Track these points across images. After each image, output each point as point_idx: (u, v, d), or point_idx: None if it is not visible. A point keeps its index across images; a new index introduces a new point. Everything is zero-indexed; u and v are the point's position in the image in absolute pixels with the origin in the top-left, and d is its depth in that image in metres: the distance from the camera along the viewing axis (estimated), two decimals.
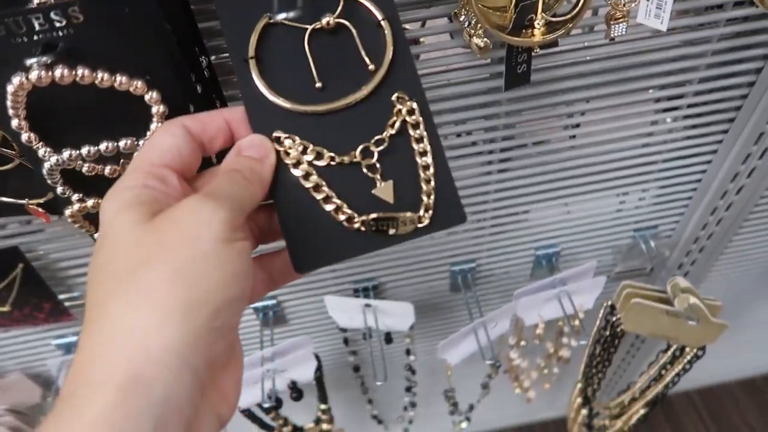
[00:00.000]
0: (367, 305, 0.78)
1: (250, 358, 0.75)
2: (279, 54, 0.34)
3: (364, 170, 0.33)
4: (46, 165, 0.37)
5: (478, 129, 0.63)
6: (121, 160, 0.40)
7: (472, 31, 0.44)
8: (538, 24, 0.41)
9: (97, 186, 0.42)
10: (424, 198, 0.34)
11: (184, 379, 0.25)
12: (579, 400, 1.08)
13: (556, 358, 1.00)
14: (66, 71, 0.32)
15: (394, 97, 0.33)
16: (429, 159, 0.33)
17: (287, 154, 0.33)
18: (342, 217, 0.33)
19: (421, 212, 0.34)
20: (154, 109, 0.37)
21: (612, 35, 0.48)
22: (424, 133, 0.33)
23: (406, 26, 0.51)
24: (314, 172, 0.33)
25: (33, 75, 0.31)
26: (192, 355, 0.25)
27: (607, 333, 0.89)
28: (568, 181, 0.71)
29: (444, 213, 0.34)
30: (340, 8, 0.33)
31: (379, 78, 0.33)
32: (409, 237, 0.34)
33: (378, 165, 0.33)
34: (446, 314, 0.94)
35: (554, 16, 0.42)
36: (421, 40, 0.54)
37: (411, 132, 0.33)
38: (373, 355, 0.77)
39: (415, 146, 0.33)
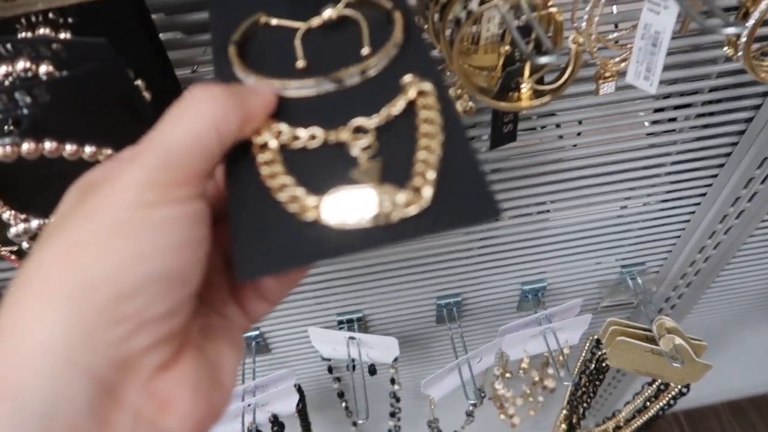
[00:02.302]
0: (351, 338, 0.77)
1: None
2: (267, 50, 0.29)
3: (353, 151, 0.25)
4: (13, 230, 0.36)
5: None
6: None
7: (459, 92, 0.44)
8: (525, 89, 0.40)
9: None
10: (418, 179, 0.23)
11: (75, 387, 0.19)
12: (564, 426, 1.08)
13: (541, 387, 0.99)
14: (32, 146, 0.31)
15: (405, 78, 0.26)
16: (435, 143, 0.24)
17: (257, 134, 0.25)
18: (296, 208, 0.24)
19: (409, 193, 0.23)
20: None
21: (600, 92, 0.47)
22: (437, 117, 0.25)
23: None
24: (277, 158, 0.25)
25: None
26: (84, 353, 0.20)
27: (593, 366, 0.88)
28: (558, 212, 0.71)
29: (458, 200, 0.23)
30: (343, 2, 0.29)
31: (383, 61, 0.27)
32: (397, 236, 0.23)
33: (370, 145, 0.25)
34: (431, 344, 0.93)
35: (540, 81, 0.41)
36: None
37: (419, 113, 0.25)
38: (355, 388, 0.76)
39: (420, 127, 0.25)
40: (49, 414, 0.19)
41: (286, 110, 0.26)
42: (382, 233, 0.23)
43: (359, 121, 0.25)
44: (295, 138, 0.25)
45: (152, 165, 0.21)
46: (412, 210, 0.23)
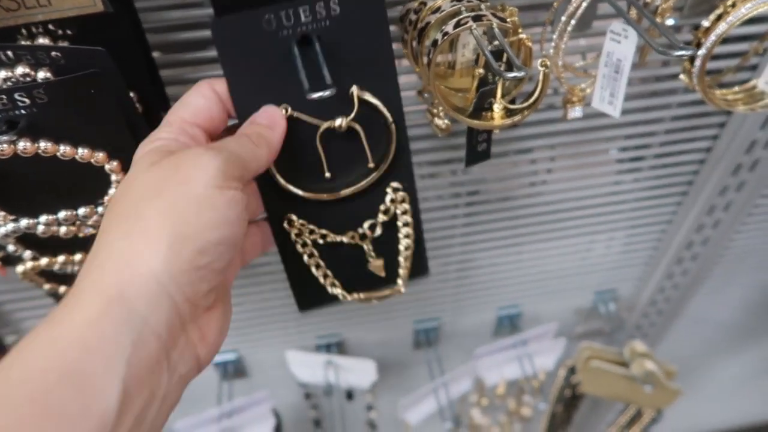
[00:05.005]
0: (329, 362, 0.77)
1: (206, 415, 0.73)
2: (292, 144, 0.36)
3: (364, 247, 0.42)
4: (2, 230, 0.37)
5: (443, 183, 0.64)
6: (77, 223, 0.40)
7: (435, 111, 0.46)
8: (497, 108, 0.43)
9: (52, 245, 0.42)
10: (401, 272, 0.43)
11: (163, 306, 0.27)
12: None
13: (518, 416, 1.00)
14: (29, 144, 0.32)
15: (389, 189, 0.40)
16: (411, 241, 0.42)
17: (298, 234, 0.40)
18: (336, 291, 0.43)
19: (399, 283, 0.44)
20: (114, 177, 0.38)
21: (568, 117, 0.50)
22: (410, 219, 0.41)
23: None
24: (316, 252, 0.41)
25: None
26: (173, 285, 0.27)
27: (568, 393, 0.90)
28: (532, 236, 0.73)
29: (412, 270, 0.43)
30: (354, 112, 0.36)
31: (380, 173, 0.39)
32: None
33: (372, 245, 0.42)
34: (409, 371, 0.93)
35: (512, 101, 0.44)
36: None
37: (399, 218, 0.41)
38: (333, 414, 0.76)
39: (402, 230, 0.42)
40: (146, 320, 0.27)
41: (311, 209, 0.40)
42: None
43: (364, 230, 0.42)
44: (323, 236, 0.41)
45: (225, 158, 0.30)
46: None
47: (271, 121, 0.35)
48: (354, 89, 0.35)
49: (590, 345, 0.81)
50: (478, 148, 0.47)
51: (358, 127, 0.37)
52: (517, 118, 0.43)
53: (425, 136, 0.56)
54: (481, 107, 0.44)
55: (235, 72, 0.33)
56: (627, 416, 0.92)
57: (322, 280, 0.42)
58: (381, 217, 0.41)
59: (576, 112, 0.50)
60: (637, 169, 0.67)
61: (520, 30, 0.41)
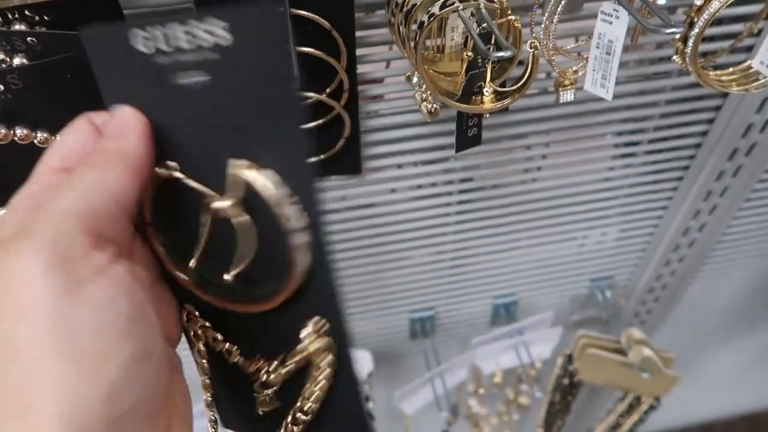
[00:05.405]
0: None
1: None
2: (180, 216, 0.27)
3: (260, 396, 0.30)
4: None
5: (437, 171, 0.63)
6: None
7: (424, 95, 0.45)
8: (487, 92, 0.42)
9: None
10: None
11: None
12: None
13: (516, 405, 1.00)
14: (3, 131, 0.32)
15: (309, 324, 0.27)
16: (316, 405, 0.29)
17: (196, 336, 0.30)
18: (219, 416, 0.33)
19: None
20: None
21: (560, 101, 0.49)
22: (324, 381, 0.29)
23: (370, 66, 0.51)
24: (205, 359, 0.31)
25: None
26: None
27: (566, 382, 0.89)
28: (527, 224, 0.72)
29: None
30: (236, 197, 0.24)
31: (275, 301, 0.27)
32: None
33: (272, 385, 0.30)
34: (406, 362, 0.93)
35: (503, 85, 0.43)
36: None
37: (316, 369, 0.28)
38: None
39: (309, 385, 0.29)
40: None
41: (213, 308, 0.29)
42: None
43: (267, 370, 0.30)
44: (228, 351, 0.30)
45: (54, 235, 0.20)
46: None
47: (119, 128, 0.24)
48: (231, 164, 0.23)
49: (587, 333, 0.81)
50: (468, 133, 0.47)
51: (241, 218, 0.24)
52: (507, 101, 0.42)
53: (416, 123, 0.56)
54: (471, 91, 0.43)
55: (111, 97, 0.25)
56: (625, 404, 0.92)
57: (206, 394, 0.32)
58: (290, 364, 0.28)
59: (568, 95, 0.49)
60: (632, 154, 0.66)
61: (508, 11, 0.41)
